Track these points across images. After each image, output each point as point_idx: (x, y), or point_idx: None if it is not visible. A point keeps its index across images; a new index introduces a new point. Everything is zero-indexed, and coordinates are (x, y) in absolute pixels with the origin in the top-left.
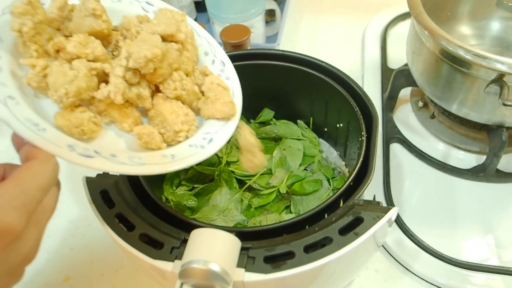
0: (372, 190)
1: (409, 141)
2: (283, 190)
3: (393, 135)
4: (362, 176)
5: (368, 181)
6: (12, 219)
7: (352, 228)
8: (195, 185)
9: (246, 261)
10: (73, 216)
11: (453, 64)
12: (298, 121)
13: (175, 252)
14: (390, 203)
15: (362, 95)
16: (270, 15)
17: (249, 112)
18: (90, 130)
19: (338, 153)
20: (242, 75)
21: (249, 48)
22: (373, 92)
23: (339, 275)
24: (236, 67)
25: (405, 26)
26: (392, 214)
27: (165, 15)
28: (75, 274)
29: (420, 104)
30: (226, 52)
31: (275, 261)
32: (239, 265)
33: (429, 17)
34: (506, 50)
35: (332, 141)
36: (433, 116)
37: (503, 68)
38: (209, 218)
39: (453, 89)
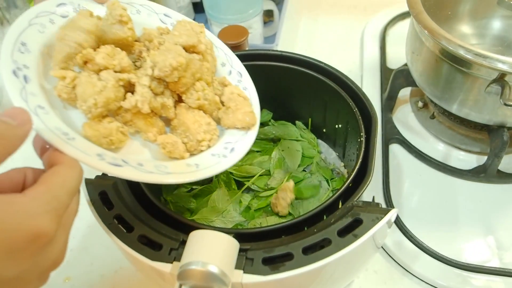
0: (371, 191)
1: (408, 141)
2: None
3: (393, 135)
4: (361, 177)
5: (367, 182)
6: (46, 223)
7: (351, 229)
8: (194, 187)
9: (244, 262)
10: None
11: (454, 64)
12: (297, 122)
13: (174, 253)
14: (390, 204)
15: (361, 95)
16: (268, 16)
17: None
18: (118, 140)
19: (337, 154)
20: None
21: (247, 49)
22: (372, 92)
23: (338, 276)
24: None
25: (404, 26)
26: (391, 215)
27: (184, 26)
28: (75, 275)
29: (420, 104)
30: None
31: (274, 263)
32: (237, 266)
33: (429, 16)
34: (508, 49)
35: (331, 142)
36: (433, 117)
37: (504, 67)
38: (207, 220)
39: (454, 89)
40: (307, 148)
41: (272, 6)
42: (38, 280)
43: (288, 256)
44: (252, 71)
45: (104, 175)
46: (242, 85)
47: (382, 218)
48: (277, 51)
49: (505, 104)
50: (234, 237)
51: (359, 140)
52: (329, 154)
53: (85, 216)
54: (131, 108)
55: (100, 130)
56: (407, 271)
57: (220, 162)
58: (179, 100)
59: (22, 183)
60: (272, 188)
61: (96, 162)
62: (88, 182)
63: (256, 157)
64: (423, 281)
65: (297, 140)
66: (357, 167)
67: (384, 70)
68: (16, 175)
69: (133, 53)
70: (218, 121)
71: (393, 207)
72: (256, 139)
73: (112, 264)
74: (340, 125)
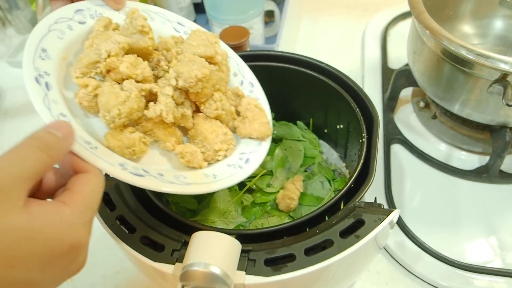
0: (373, 191)
1: (410, 142)
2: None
3: (394, 136)
4: (363, 178)
5: (369, 183)
6: (83, 235)
7: (353, 230)
8: None
9: (246, 263)
10: None
11: (455, 64)
12: (298, 122)
13: (176, 254)
14: (391, 205)
15: (363, 96)
16: (269, 16)
17: None
18: (140, 150)
19: (339, 154)
20: None
21: (248, 49)
22: (374, 92)
23: (340, 277)
24: None
25: (405, 26)
26: (393, 216)
27: (199, 36)
28: (77, 276)
29: (422, 104)
30: None
31: (276, 264)
32: (239, 267)
33: (430, 16)
34: (510, 49)
35: (332, 142)
36: (434, 117)
37: (506, 67)
38: (209, 220)
39: (455, 89)
40: (309, 148)
41: (273, 6)
42: (57, 284)
43: (290, 257)
44: (254, 72)
45: (106, 176)
46: (254, 95)
47: (384, 219)
48: (278, 51)
49: (507, 105)
50: (236, 238)
51: (360, 140)
52: (331, 154)
53: None
54: (155, 118)
55: (123, 140)
56: (409, 271)
57: (236, 173)
58: (196, 110)
59: (38, 185)
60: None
61: (119, 172)
62: None
63: None
64: (425, 281)
65: (299, 140)
66: (359, 167)
67: (385, 70)
68: None
69: (151, 62)
70: (233, 130)
71: (395, 208)
72: None
73: (114, 265)
74: (341, 126)
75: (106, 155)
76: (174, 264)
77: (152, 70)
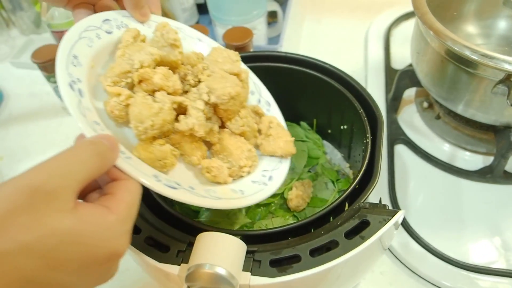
0: (377, 192)
1: (414, 142)
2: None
3: (398, 136)
4: (367, 178)
5: (374, 184)
6: (123, 244)
7: (358, 231)
8: None
9: (252, 264)
10: None
11: (459, 64)
12: (302, 122)
13: (181, 255)
14: (395, 205)
15: (367, 96)
16: (272, 17)
17: None
18: (171, 163)
19: (342, 155)
20: None
21: (251, 50)
22: (377, 93)
23: (344, 278)
24: None
25: (408, 26)
26: (398, 217)
27: (221, 53)
28: None
29: (425, 105)
30: None
31: (281, 265)
32: (245, 268)
33: (434, 17)
34: None
35: (336, 143)
36: (438, 117)
37: (511, 68)
38: (213, 221)
39: (459, 89)
40: (313, 148)
41: (276, 7)
42: None
43: (295, 258)
44: (257, 73)
45: None
46: (271, 113)
47: (389, 220)
48: (282, 52)
49: None
50: (241, 238)
51: (365, 141)
52: (334, 155)
53: None
54: (185, 131)
55: (154, 152)
56: (414, 272)
57: (263, 189)
58: (221, 125)
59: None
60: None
61: (154, 184)
62: None
63: None
64: (429, 282)
65: (302, 141)
66: (363, 168)
67: (389, 70)
68: None
69: (179, 75)
70: (256, 147)
71: (399, 208)
72: None
73: (119, 266)
74: (345, 126)
75: (140, 166)
76: (179, 265)
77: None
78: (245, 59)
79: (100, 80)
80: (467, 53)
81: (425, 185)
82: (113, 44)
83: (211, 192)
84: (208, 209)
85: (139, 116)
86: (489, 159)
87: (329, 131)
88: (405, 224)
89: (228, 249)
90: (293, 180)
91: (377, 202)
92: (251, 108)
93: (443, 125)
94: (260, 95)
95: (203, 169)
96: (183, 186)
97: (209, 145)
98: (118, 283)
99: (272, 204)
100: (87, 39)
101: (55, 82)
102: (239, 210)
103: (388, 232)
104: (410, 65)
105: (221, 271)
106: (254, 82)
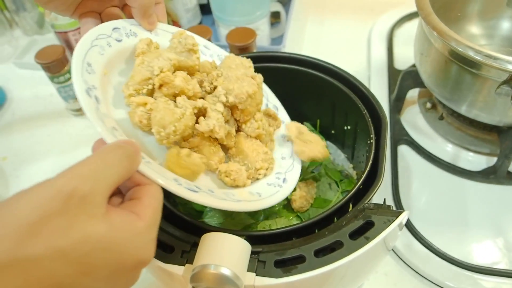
0: (380, 192)
1: (417, 143)
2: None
3: (401, 137)
4: (371, 179)
5: (378, 185)
6: (150, 251)
7: (363, 232)
8: None
9: (256, 265)
10: None
11: (463, 65)
12: (305, 123)
13: (186, 256)
14: (399, 206)
15: (370, 97)
16: (274, 17)
17: None
18: (199, 173)
19: (346, 155)
20: None
21: (254, 50)
22: (380, 93)
23: (349, 279)
24: None
25: (411, 27)
26: (403, 218)
27: (233, 61)
28: None
29: (428, 105)
30: None
31: (286, 266)
32: (249, 269)
33: (437, 17)
34: None
35: (339, 143)
36: (441, 118)
37: None
38: (217, 221)
39: (463, 90)
40: None
41: (279, 7)
42: None
43: (300, 259)
44: (261, 73)
45: None
46: (280, 117)
47: (394, 220)
48: (285, 53)
49: None
50: (245, 239)
51: (368, 142)
52: (338, 155)
53: None
54: (206, 132)
55: (190, 168)
56: (417, 273)
57: (278, 191)
58: (236, 130)
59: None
60: None
61: (176, 187)
62: None
63: None
64: (433, 283)
65: None
66: (367, 169)
67: (392, 71)
68: None
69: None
70: (300, 153)
71: (403, 209)
72: None
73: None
74: (348, 127)
75: (160, 170)
76: (184, 265)
77: None
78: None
79: (122, 90)
80: (471, 53)
81: (429, 186)
82: (125, 52)
83: (230, 195)
84: (211, 210)
85: (162, 122)
86: (493, 160)
87: (333, 131)
88: (408, 225)
89: (233, 250)
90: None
91: (381, 202)
92: (263, 111)
93: (447, 126)
94: (267, 100)
95: (221, 174)
96: (202, 190)
97: (225, 149)
98: None
99: (276, 205)
100: (98, 47)
101: (58, 82)
102: None
103: (393, 233)
104: (413, 65)
105: (226, 271)
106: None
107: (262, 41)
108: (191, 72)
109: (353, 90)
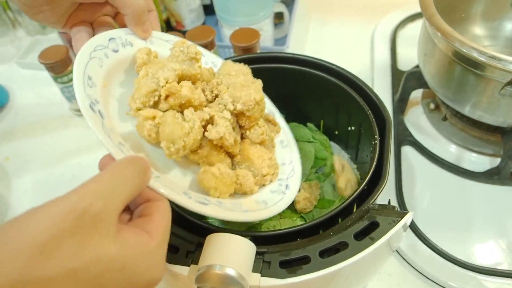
0: (384, 193)
1: (420, 143)
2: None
3: (405, 137)
4: (376, 180)
5: (383, 185)
6: (160, 271)
7: (368, 233)
8: None
9: (261, 265)
10: None
11: (467, 66)
12: (308, 123)
13: (191, 256)
14: (403, 207)
15: (374, 97)
16: (278, 18)
17: None
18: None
19: (349, 156)
20: None
21: (258, 51)
22: (383, 94)
23: (353, 280)
24: None
25: (414, 28)
26: (408, 219)
27: (232, 67)
28: None
29: (432, 106)
30: (236, 56)
31: (291, 266)
32: (254, 269)
33: (441, 18)
34: None
35: (343, 144)
36: (445, 118)
37: None
38: (220, 222)
39: (467, 91)
40: (320, 149)
41: (282, 8)
42: None
43: (305, 259)
44: (264, 74)
45: None
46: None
47: (398, 221)
48: (289, 53)
49: None
50: (250, 240)
51: (373, 142)
52: (341, 156)
53: None
54: (215, 140)
55: (227, 187)
56: (421, 273)
57: (283, 198)
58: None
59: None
60: None
61: (185, 201)
62: None
63: None
64: (436, 283)
65: (309, 142)
66: (372, 169)
67: (395, 72)
68: None
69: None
70: (340, 190)
71: (406, 210)
72: None
73: None
74: (352, 127)
75: (170, 184)
76: (189, 266)
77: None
78: (252, 61)
79: (128, 103)
80: (475, 54)
81: (432, 187)
82: (123, 62)
83: (237, 205)
84: None
85: (171, 136)
86: (496, 161)
87: (336, 132)
88: (412, 226)
89: (238, 250)
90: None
91: (385, 203)
92: (263, 117)
93: (450, 127)
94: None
95: None
96: (211, 202)
97: (230, 157)
98: None
99: None
100: (97, 59)
101: (62, 82)
102: None
103: (397, 234)
104: (417, 66)
105: (231, 272)
106: None
107: (266, 42)
108: (193, 80)
109: (357, 90)
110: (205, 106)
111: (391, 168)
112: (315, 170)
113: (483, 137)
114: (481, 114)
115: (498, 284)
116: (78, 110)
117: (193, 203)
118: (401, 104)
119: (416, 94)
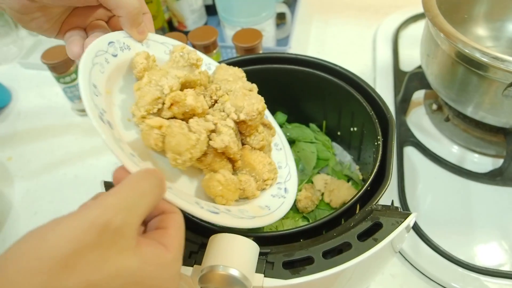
0: (387, 194)
1: (423, 144)
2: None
3: (407, 138)
4: (378, 181)
5: (386, 186)
6: (176, 283)
7: (371, 233)
8: None
9: (265, 266)
10: None
11: (470, 67)
12: (311, 124)
13: (194, 256)
14: (405, 208)
15: (377, 98)
16: (280, 18)
17: None
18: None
19: (352, 157)
20: (255, 79)
21: (261, 51)
22: (386, 95)
23: (356, 280)
24: (249, 71)
25: (416, 28)
26: (411, 220)
27: (227, 71)
28: None
29: (434, 107)
30: (238, 56)
31: (294, 267)
32: (258, 270)
33: (444, 19)
34: None
35: (346, 144)
36: (447, 119)
37: None
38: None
39: (469, 92)
40: (322, 150)
41: (284, 8)
42: None
43: (308, 260)
44: (267, 74)
45: None
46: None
47: (402, 222)
48: (291, 54)
49: None
50: (253, 240)
51: (375, 143)
52: (344, 156)
53: None
54: (220, 149)
55: (232, 194)
56: (423, 274)
57: (284, 202)
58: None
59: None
60: None
61: (198, 210)
62: (107, 185)
63: None
64: (439, 284)
65: (311, 142)
66: (375, 170)
67: (397, 72)
68: None
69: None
70: (333, 203)
71: (409, 210)
72: None
73: None
74: (355, 128)
75: (181, 194)
76: (192, 266)
77: None
78: (255, 61)
79: (131, 111)
80: (478, 55)
81: (434, 187)
82: (121, 67)
83: (244, 212)
84: None
85: (177, 148)
86: (499, 162)
87: (339, 133)
88: (415, 226)
89: (242, 251)
90: (302, 181)
91: (388, 204)
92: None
93: (452, 127)
94: None
95: None
96: (221, 210)
97: (231, 162)
98: None
99: None
100: (99, 65)
101: (64, 82)
102: None
103: (400, 235)
104: (419, 67)
105: (234, 272)
106: None
107: (268, 42)
108: (193, 86)
109: (360, 91)
110: (207, 114)
111: (394, 169)
112: (317, 170)
113: (486, 138)
114: (484, 115)
115: (501, 285)
116: (81, 110)
117: (206, 213)
118: (403, 104)
119: (419, 95)
